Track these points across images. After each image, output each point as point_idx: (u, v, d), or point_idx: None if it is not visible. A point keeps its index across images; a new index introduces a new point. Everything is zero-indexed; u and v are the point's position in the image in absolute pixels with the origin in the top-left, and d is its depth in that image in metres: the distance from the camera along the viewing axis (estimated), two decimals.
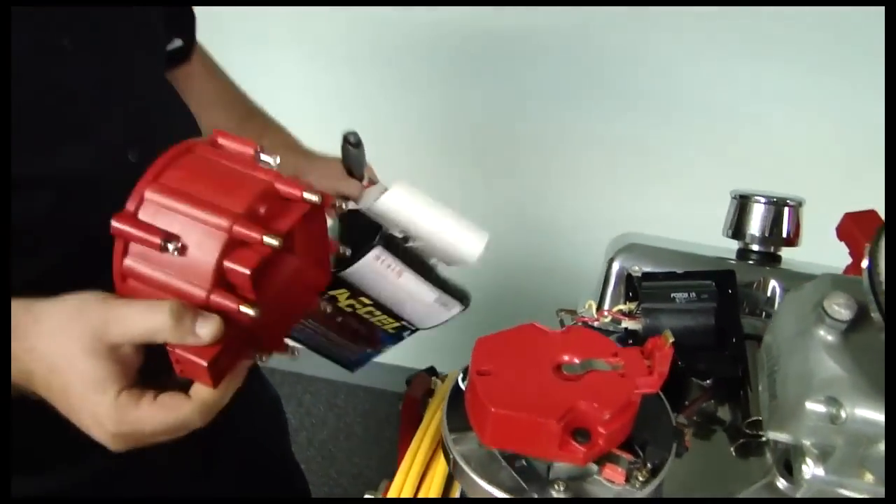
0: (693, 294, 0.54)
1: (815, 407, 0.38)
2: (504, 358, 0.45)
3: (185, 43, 0.87)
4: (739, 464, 0.54)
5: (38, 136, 0.59)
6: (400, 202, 0.85)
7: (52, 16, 0.61)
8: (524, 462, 0.45)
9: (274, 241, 0.43)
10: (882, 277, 0.37)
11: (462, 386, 0.49)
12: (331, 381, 2.16)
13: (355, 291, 0.86)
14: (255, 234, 0.43)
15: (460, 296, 0.80)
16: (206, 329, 0.45)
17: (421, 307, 0.86)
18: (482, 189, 1.59)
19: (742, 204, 0.63)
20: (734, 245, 0.67)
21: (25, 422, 0.66)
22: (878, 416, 0.37)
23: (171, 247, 0.44)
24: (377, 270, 0.84)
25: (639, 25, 1.33)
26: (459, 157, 1.58)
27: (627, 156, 1.45)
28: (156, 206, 0.45)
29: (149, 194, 0.45)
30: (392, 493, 0.60)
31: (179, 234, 0.44)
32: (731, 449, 0.54)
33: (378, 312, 0.89)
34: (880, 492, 0.39)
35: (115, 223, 0.45)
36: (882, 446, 0.37)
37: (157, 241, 0.44)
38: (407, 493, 0.59)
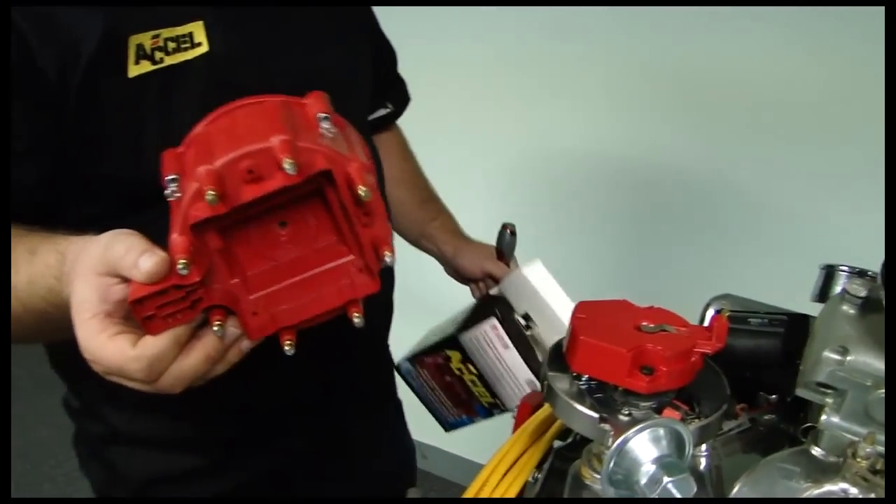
0: (766, 320, 0.66)
1: (830, 354, 0.49)
2: (597, 313, 0.60)
3: (394, 110, 1.10)
4: None
5: None
6: (537, 278, 1.00)
7: (281, 68, 0.79)
8: (601, 395, 0.58)
9: (211, 202, 0.43)
10: None
11: (563, 345, 0.63)
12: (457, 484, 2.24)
13: (466, 357, 1.03)
14: (203, 188, 0.43)
15: None
16: (147, 263, 0.47)
17: (514, 386, 1.01)
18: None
19: (828, 273, 0.74)
20: None
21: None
22: (874, 362, 0.48)
23: (170, 187, 0.46)
24: (489, 340, 1.00)
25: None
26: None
27: None
28: (192, 147, 0.49)
29: (195, 134, 0.51)
30: (482, 476, 0.72)
31: (182, 176, 0.46)
32: None
33: (479, 384, 1.05)
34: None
35: (164, 154, 0.51)
36: (881, 391, 0.48)
37: (165, 177, 0.47)
38: (495, 478, 0.71)
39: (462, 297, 1.18)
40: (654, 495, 0.48)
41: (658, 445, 0.50)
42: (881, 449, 0.47)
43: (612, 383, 0.56)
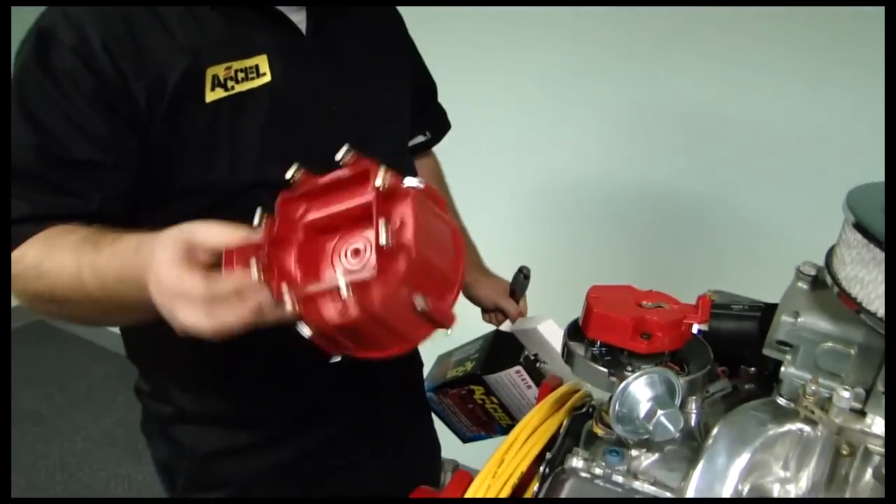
0: (746, 306, 0.80)
1: (786, 318, 0.63)
2: (607, 294, 0.74)
3: (431, 137, 1.25)
4: None
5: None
6: (549, 334, 1.17)
7: (333, 96, 0.92)
8: (609, 358, 0.72)
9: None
10: (835, 260, 0.63)
11: (580, 322, 0.77)
12: None
13: (489, 391, 1.18)
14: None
15: None
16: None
17: None
18: None
19: None
20: None
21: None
22: (819, 322, 0.62)
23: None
24: (514, 381, 1.15)
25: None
26: None
27: None
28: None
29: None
30: (509, 440, 0.85)
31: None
32: None
33: (500, 411, 1.21)
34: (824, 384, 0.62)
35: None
36: (825, 345, 0.62)
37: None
38: (520, 441, 0.85)
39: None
40: (650, 425, 0.62)
41: (654, 389, 0.64)
42: (824, 391, 0.61)
43: (619, 346, 0.71)
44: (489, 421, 1.26)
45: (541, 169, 1.96)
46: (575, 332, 0.76)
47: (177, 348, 1.00)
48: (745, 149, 1.65)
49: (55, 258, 0.75)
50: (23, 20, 0.86)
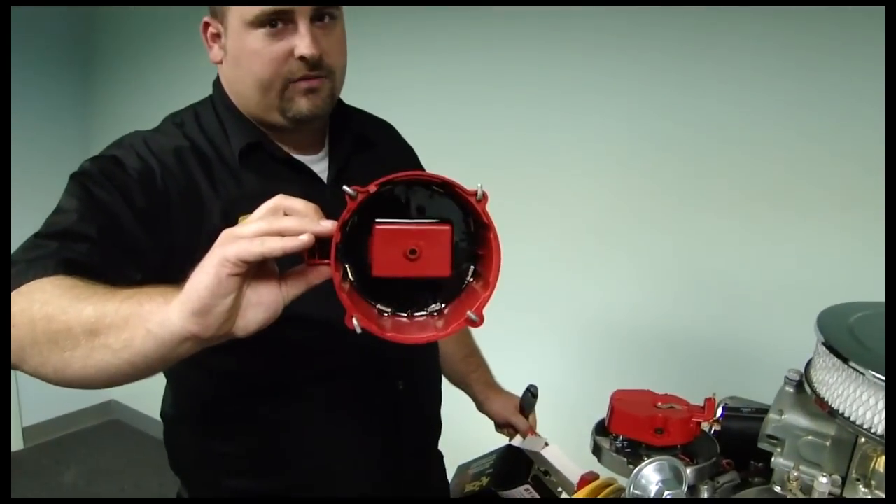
0: (753, 409, 0.93)
1: (773, 415, 0.76)
2: (629, 396, 0.88)
3: None
4: None
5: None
6: (553, 458, 1.32)
7: None
8: (629, 450, 0.85)
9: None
10: (811, 368, 0.77)
11: (605, 421, 0.91)
12: None
13: None
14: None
15: None
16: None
17: None
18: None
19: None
20: None
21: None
22: (800, 419, 0.75)
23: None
24: (522, 496, 1.28)
25: None
26: None
27: None
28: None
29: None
30: None
31: None
32: None
33: None
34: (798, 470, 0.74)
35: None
36: (806, 438, 0.75)
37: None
38: None
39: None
40: None
41: (662, 473, 0.77)
42: (806, 477, 0.73)
43: (637, 440, 0.84)
44: None
45: (570, 300, 2.12)
46: (600, 429, 0.89)
47: (207, 458, 1.12)
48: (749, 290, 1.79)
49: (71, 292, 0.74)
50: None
